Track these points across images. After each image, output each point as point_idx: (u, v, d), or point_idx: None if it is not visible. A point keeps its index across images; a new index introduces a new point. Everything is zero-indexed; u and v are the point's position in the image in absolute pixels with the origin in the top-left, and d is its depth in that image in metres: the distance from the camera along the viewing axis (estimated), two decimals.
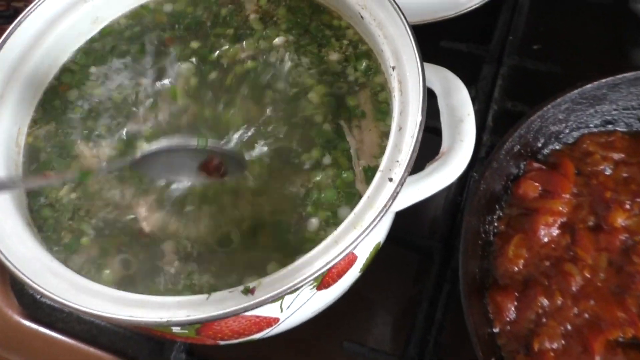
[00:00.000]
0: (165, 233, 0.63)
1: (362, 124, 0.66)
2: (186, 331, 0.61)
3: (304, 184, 0.64)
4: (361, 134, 0.66)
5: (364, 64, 0.70)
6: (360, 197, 0.59)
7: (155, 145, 0.63)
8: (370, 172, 0.62)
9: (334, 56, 0.71)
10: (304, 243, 0.60)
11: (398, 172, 0.57)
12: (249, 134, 0.67)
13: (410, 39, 0.63)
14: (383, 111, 0.66)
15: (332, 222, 0.61)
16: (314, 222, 0.62)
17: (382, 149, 0.62)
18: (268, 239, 0.62)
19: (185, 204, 0.64)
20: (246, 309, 0.52)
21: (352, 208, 0.58)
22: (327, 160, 0.65)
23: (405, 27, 0.64)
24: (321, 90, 0.69)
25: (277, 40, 0.73)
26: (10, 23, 0.71)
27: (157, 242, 0.63)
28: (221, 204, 0.64)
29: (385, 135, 0.64)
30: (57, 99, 0.72)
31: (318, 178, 0.64)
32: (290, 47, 0.72)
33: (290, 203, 0.63)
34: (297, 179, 0.64)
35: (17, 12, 1.02)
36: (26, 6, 1.03)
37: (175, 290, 0.59)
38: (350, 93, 0.68)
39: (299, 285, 0.53)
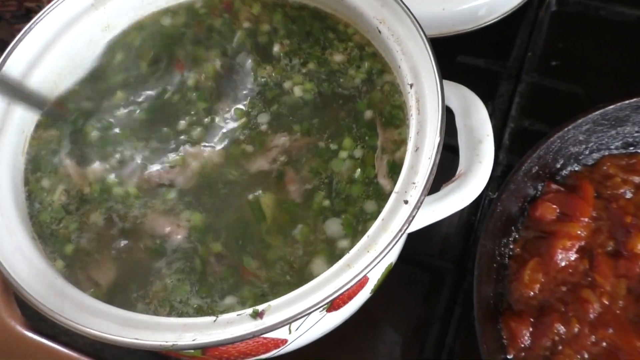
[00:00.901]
0: (168, 239, 0.62)
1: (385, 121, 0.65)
2: (192, 351, 0.59)
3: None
4: (385, 130, 0.65)
5: (368, 64, 0.69)
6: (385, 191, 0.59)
7: None
8: (396, 168, 0.61)
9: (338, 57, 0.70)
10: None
11: (414, 195, 0.55)
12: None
13: (430, 56, 0.62)
14: (395, 116, 0.65)
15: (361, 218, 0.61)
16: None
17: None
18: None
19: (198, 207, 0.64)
20: (254, 334, 0.51)
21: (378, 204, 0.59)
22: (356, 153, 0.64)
23: (425, 44, 0.62)
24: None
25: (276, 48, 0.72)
26: (22, 23, 0.70)
27: (160, 250, 0.62)
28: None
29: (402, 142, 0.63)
30: (69, 105, 0.71)
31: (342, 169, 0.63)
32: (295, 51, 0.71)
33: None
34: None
35: (29, 12, 1.01)
36: (38, 6, 1.02)
37: (183, 307, 0.58)
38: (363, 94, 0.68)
39: (309, 311, 0.51)
